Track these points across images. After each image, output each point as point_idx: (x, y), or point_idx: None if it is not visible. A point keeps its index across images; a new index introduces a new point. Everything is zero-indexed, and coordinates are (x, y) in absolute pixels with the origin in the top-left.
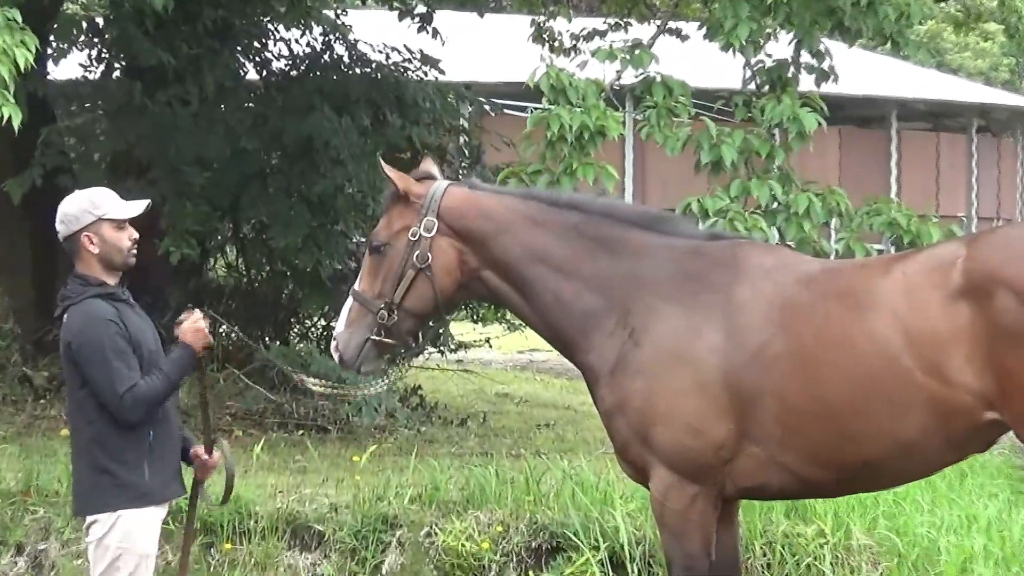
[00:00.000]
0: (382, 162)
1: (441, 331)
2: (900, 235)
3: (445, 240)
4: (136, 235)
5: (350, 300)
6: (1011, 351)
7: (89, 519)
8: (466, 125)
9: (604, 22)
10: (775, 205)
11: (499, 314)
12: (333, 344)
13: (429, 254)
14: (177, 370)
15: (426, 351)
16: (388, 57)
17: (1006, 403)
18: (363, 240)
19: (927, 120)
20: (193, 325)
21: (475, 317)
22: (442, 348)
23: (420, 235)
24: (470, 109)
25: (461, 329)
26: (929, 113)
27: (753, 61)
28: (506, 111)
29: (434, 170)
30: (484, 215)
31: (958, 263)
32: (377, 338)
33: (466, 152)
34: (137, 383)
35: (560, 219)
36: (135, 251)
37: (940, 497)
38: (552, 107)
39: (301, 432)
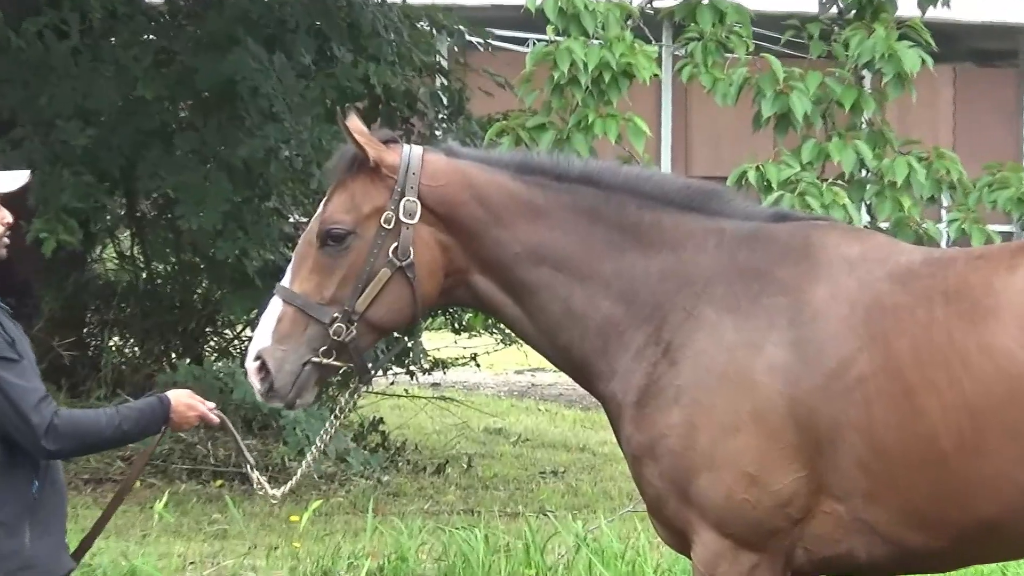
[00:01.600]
0: (344, 117)
1: (411, 344)
2: None
3: (427, 231)
4: (10, 218)
5: (278, 304)
6: None
7: None
8: (444, 63)
9: None
10: (863, 174)
11: (489, 321)
12: (254, 365)
13: (412, 248)
14: (135, 422)
15: (390, 371)
16: None
17: None
18: (304, 221)
19: None
20: (190, 398)
21: (457, 325)
22: (412, 368)
23: (399, 222)
24: (449, 41)
25: (438, 341)
26: None
27: None
28: (500, 44)
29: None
30: (475, 197)
31: None
32: (322, 360)
33: (444, 99)
34: (53, 404)
35: (570, 199)
36: (7, 240)
37: None
38: (561, 39)
39: (220, 483)
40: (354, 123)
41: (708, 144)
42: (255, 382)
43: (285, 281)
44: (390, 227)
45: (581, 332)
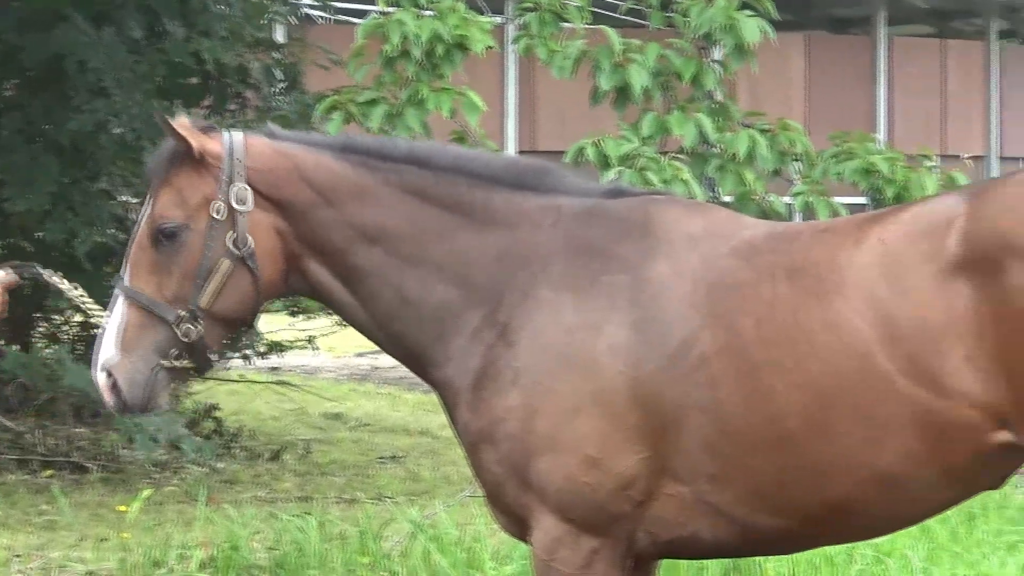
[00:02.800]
0: (170, 116)
1: (245, 328)
2: (880, 186)
3: (263, 217)
4: None
5: (121, 307)
6: None
7: None
8: (279, 38)
9: None
10: (704, 147)
11: None
12: (104, 381)
13: (249, 237)
14: None
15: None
16: None
17: None
18: (135, 202)
19: (929, 22)
20: None
21: (294, 308)
22: (248, 352)
23: (232, 210)
24: (285, 11)
25: (274, 323)
26: (932, 12)
27: None
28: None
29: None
30: (303, 179)
31: (956, 225)
32: (172, 363)
33: (278, 75)
34: None
35: (398, 180)
36: None
37: (939, 551)
38: (392, 9)
39: (49, 472)
40: (175, 121)
41: (554, 119)
42: (107, 398)
43: (126, 281)
44: (223, 217)
45: (415, 318)
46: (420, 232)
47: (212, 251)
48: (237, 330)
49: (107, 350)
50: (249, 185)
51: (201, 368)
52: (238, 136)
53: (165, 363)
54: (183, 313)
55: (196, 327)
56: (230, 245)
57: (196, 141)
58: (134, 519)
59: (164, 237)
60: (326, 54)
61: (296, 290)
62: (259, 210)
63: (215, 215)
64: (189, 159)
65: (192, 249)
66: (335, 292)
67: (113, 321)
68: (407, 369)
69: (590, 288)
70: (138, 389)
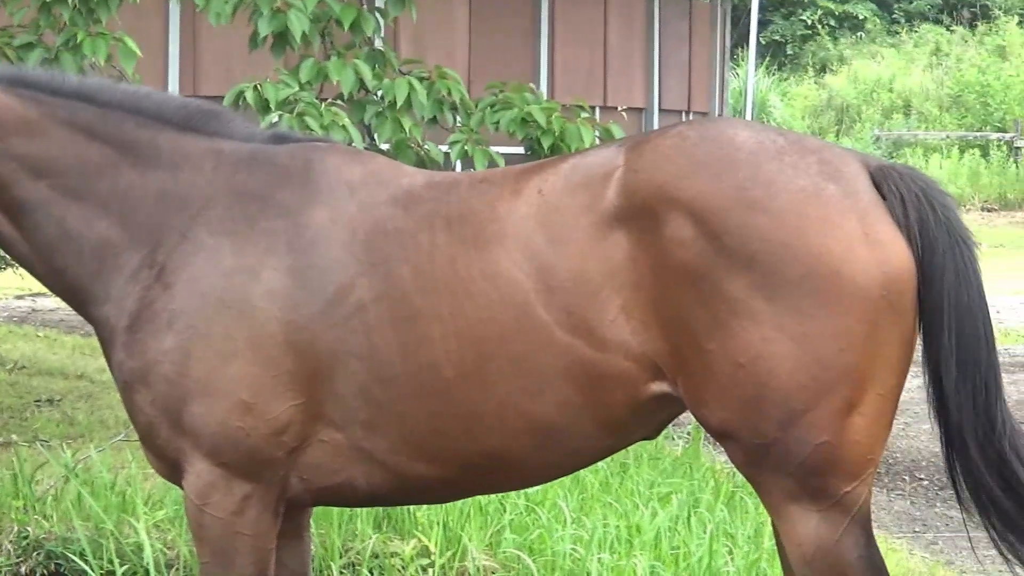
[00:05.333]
0: None
1: None
2: (537, 137)
3: None
4: None
5: None
6: (686, 299)
7: None
8: None
9: None
10: (362, 94)
11: None
12: None
13: None
14: None
15: None
16: None
17: (679, 371)
18: None
19: None
20: None
21: None
22: None
23: None
24: None
25: None
26: None
27: None
28: None
29: None
30: None
31: (614, 177)
32: None
33: None
34: None
35: (67, 115)
36: None
37: (591, 501)
38: None
39: None
40: None
41: (218, 65)
42: None
43: None
44: None
45: (76, 253)
46: (85, 168)
47: None
48: None
49: None
50: None
51: None
52: None
53: None
54: None
55: None
56: None
57: None
58: None
59: None
60: None
61: None
62: None
63: None
64: None
65: None
66: (0, 227)
67: None
68: (68, 311)
69: (248, 233)
70: None
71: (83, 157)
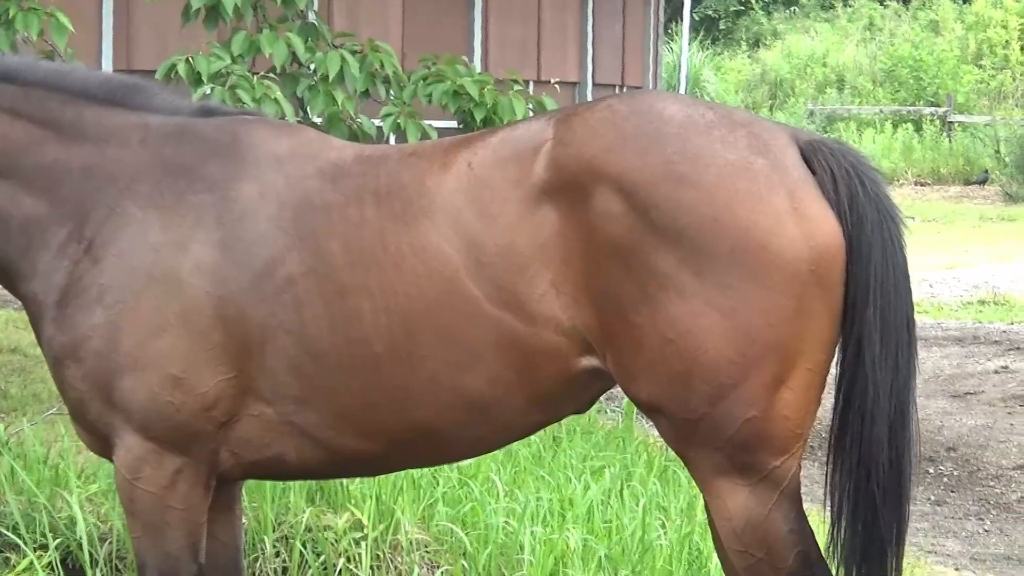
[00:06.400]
0: None
1: None
2: (470, 110)
3: None
4: None
5: None
6: (615, 274)
7: None
8: None
9: None
10: (295, 67)
11: None
12: None
13: None
14: None
15: None
16: None
17: (609, 346)
18: None
19: None
20: None
21: None
22: None
23: None
24: None
25: None
26: None
27: None
28: None
29: None
30: None
31: (543, 150)
32: None
33: None
34: None
35: None
36: None
37: (524, 474)
38: None
39: None
40: None
41: (152, 39)
42: None
43: None
44: None
45: (3, 231)
46: (8, 147)
47: None
48: None
49: None
50: None
51: None
52: None
53: None
54: None
55: None
56: None
57: None
58: None
59: None
60: None
61: None
62: None
63: None
64: None
65: None
66: None
67: None
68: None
69: (176, 207)
70: None
71: (6, 136)
